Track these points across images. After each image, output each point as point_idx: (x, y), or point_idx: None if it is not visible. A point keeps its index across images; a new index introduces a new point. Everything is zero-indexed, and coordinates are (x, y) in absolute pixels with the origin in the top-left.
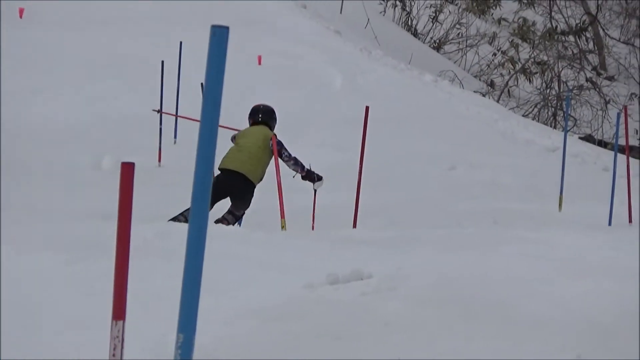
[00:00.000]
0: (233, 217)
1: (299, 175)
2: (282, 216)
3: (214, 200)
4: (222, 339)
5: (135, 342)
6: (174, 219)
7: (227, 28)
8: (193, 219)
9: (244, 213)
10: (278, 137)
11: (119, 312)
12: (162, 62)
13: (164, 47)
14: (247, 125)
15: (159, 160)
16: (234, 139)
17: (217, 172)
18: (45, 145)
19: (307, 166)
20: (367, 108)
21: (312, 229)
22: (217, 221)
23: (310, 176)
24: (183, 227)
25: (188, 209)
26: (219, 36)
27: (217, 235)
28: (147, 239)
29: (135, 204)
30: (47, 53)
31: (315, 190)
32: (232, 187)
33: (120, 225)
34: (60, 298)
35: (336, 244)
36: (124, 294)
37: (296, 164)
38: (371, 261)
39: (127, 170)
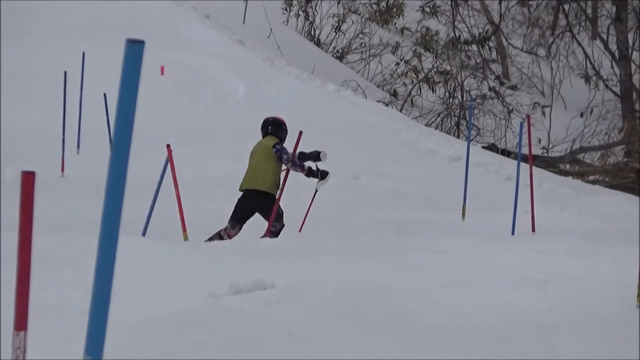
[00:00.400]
0: (272, 234)
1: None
2: (184, 230)
3: (243, 220)
4: (122, 349)
5: (38, 353)
6: (210, 240)
7: (142, 42)
8: (103, 234)
9: (281, 225)
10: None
11: (21, 322)
12: (65, 72)
13: (66, 58)
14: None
15: (62, 170)
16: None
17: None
18: None
19: (307, 165)
20: (300, 133)
21: (300, 231)
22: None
23: (313, 174)
24: (83, 238)
25: (222, 229)
26: (134, 51)
27: (118, 245)
28: (50, 249)
29: (38, 214)
30: None
31: (316, 191)
32: (254, 205)
33: (21, 235)
34: None
35: (239, 253)
36: (26, 304)
37: (295, 165)
38: (274, 271)
39: (28, 179)
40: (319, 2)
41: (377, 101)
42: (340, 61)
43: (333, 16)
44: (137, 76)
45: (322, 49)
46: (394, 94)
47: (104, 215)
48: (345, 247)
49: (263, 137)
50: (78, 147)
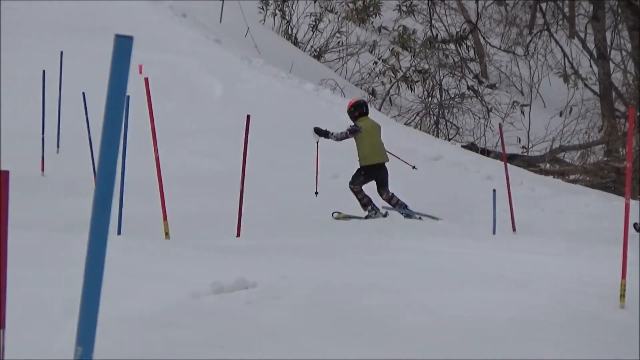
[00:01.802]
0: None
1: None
2: (165, 218)
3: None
4: (103, 347)
5: (18, 350)
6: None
7: (131, 38)
8: (93, 230)
9: (353, 189)
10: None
11: None
12: (43, 71)
13: (44, 58)
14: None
15: (42, 169)
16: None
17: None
18: None
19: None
20: (248, 117)
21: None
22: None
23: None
24: (64, 237)
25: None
26: (123, 45)
27: None
28: (28, 247)
29: (18, 213)
30: None
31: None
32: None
33: None
34: None
35: (220, 252)
36: (3, 302)
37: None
38: (255, 270)
39: (2, 178)
40: (296, 1)
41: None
42: (318, 60)
43: (310, 15)
44: (126, 70)
45: (299, 47)
46: (373, 92)
47: (94, 210)
48: (325, 246)
49: (360, 117)
50: (58, 146)
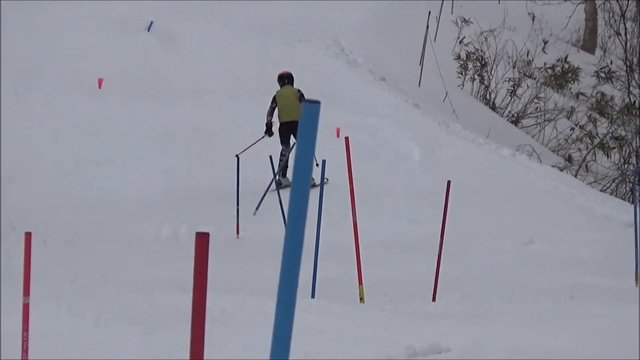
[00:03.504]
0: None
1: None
2: (360, 282)
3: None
4: None
5: None
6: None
7: (318, 103)
8: (281, 292)
9: (282, 150)
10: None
11: None
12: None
13: (237, 120)
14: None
15: (238, 232)
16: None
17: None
18: (119, 216)
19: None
20: (448, 183)
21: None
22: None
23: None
24: (260, 300)
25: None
26: (311, 111)
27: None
28: (225, 309)
29: (213, 275)
30: (117, 124)
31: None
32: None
33: (195, 295)
34: None
35: (415, 316)
36: None
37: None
38: (449, 335)
39: (202, 240)
40: (494, 66)
41: (552, 166)
42: (516, 125)
43: (508, 80)
44: (314, 134)
45: (497, 112)
46: (569, 159)
47: (282, 277)
48: (518, 312)
49: (283, 86)
50: (257, 208)
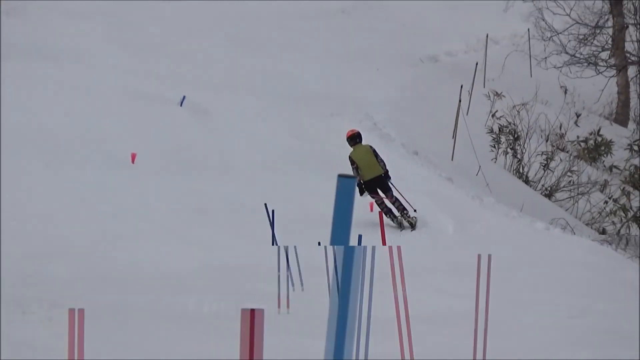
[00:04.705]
0: None
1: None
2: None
3: None
4: None
5: None
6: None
7: (354, 178)
8: None
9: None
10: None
11: None
12: (265, 205)
13: (263, 192)
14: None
15: (279, 306)
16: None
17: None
18: (158, 290)
19: None
20: (489, 257)
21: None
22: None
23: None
24: None
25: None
26: (346, 185)
27: None
28: None
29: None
30: (149, 199)
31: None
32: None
33: None
34: None
35: None
36: None
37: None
38: None
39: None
40: (527, 139)
41: (592, 240)
42: (549, 199)
43: (541, 154)
44: (350, 208)
45: (530, 186)
46: (603, 232)
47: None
48: None
49: (354, 146)
50: (302, 283)
